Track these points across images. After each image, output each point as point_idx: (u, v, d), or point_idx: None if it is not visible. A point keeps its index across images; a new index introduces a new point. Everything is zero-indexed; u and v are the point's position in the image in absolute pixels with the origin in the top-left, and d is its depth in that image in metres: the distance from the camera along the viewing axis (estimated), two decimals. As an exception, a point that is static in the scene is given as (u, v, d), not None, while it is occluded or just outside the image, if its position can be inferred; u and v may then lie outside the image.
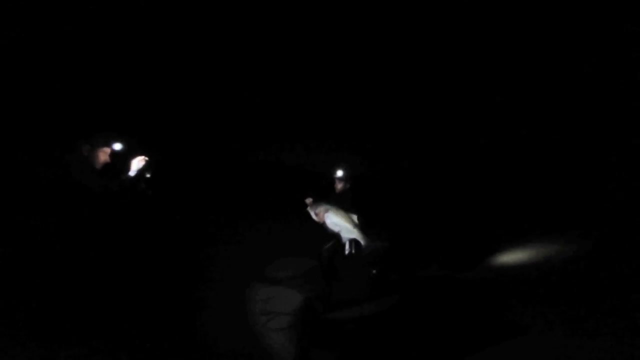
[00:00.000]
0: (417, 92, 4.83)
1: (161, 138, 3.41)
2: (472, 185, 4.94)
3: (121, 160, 2.96)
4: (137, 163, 2.97)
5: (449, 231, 4.69)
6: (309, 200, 3.61)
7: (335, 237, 3.53)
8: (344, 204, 3.60)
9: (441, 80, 4.82)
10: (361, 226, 3.38)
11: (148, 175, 3.10)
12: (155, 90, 3.81)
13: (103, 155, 2.84)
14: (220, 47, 4.21)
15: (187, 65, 4.04)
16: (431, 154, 5.07)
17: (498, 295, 3.53)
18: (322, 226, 3.49)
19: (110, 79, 3.60)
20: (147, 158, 3.00)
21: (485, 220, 4.71)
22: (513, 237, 4.47)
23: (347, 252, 3.41)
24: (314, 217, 3.51)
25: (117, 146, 2.90)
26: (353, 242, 3.39)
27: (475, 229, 4.69)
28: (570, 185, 4.62)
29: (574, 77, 4.53)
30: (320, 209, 3.46)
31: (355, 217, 3.41)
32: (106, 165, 2.86)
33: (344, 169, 3.83)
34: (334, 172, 3.84)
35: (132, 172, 2.96)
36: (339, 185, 3.83)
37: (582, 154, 4.68)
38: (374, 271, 3.92)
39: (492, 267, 4.11)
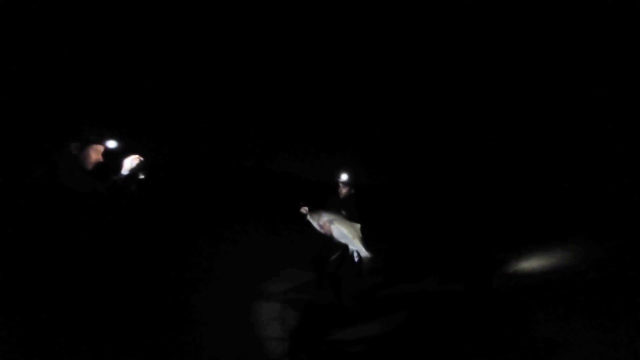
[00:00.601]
0: (421, 101, 4.80)
1: (158, 136, 3.18)
2: (483, 194, 4.88)
3: (113, 160, 2.74)
4: (131, 162, 2.75)
5: (456, 241, 4.60)
6: (305, 209, 3.42)
7: (342, 247, 3.35)
8: (347, 211, 3.43)
9: (446, 89, 4.79)
10: (364, 237, 3.22)
11: (142, 177, 2.88)
12: (151, 85, 3.60)
13: (95, 154, 2.59)
14: (221, 46, 4.05)
15: (186, 62, 3.87)
16: (437, 162, 4.99)
17: (516, 305, 3.46)
18: (328, 237, 3.29)
19: (102, 73, 3.37)
20: (141, 157, 2.80)
21: (495, 230, 4.64)
22: (527, 245, 4.41)
23: (356, 262, 3.24)
24: (317, 228, 3.31)
25: (111, 144, 2.67)
26: (357, 253, 3.23)
27: (485, 238, 4.61)
28: (584, 191, 4.60)
29: (586, 83, 4.53)
30: (324, 219, 3.27)
31: (358, 227, 3.24)
32: (98, 164, 2.63)
33: (349, 173, 3.62)
34: (338, 176, 3.63)
35: (125, 172, 2.74)
36: (344, 190, 3.63)
37: (595, 159, 4.66)
38: (372, 282, 3.79)
39: (507, 276, 4.03)
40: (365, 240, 3.21)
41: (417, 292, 3.96)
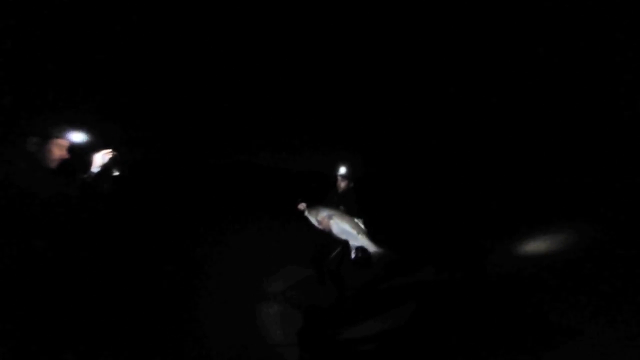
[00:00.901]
0: (414, 94, 4.66)
1: (139, 127, 2.79)
2: (481, 181, 4.82)
3: (80, 155, 2.35)
4: (102, 157, 2.37)
5: (455, 228, 4.56)
6: (302, 206, 3.25)
7: (342, 243, 3.20)
8: (347, 205, 3.25)
9: (438, 83, 4.68)
10: (367, 232, 3.04)
11: (116, 173, 2.51)
12: (126, 63, 3.09)
13: (58, 150, 2.20)
14: (214, 35, 3.63)
15: (176, 45, 3.41)
16: (434, 151, 4.88)
17: (521, 292, 3.45)
18: (327, 233, 3.12)
19: (62, 51, 2.84)
20: (114, 152, 2.42)
21: (494, 217, 4.62)
22: (529, 231, 4.42)
23: (354, 259, 3.06)
24: (315, 224, 3.15)
25: (76, 137, 2.28)
26: (360, 249, 3.04)
27: (484, 225, 4.58)
28: (584, 176, 4.62)
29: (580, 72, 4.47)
30: (323, 215, 3.09)
31: (360, 222, 3.07)
32: (62, 162, 2.23)
33: (348, 166, 3.42)
34: (337, 170, 3.43)
35: (95, 169, 2.36)
36: (342, 184, 3.43)
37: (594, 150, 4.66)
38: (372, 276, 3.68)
39: (510, 263, 4.01)
40: (371, 236, 3.03)
41: (419, 284, 3.87)
